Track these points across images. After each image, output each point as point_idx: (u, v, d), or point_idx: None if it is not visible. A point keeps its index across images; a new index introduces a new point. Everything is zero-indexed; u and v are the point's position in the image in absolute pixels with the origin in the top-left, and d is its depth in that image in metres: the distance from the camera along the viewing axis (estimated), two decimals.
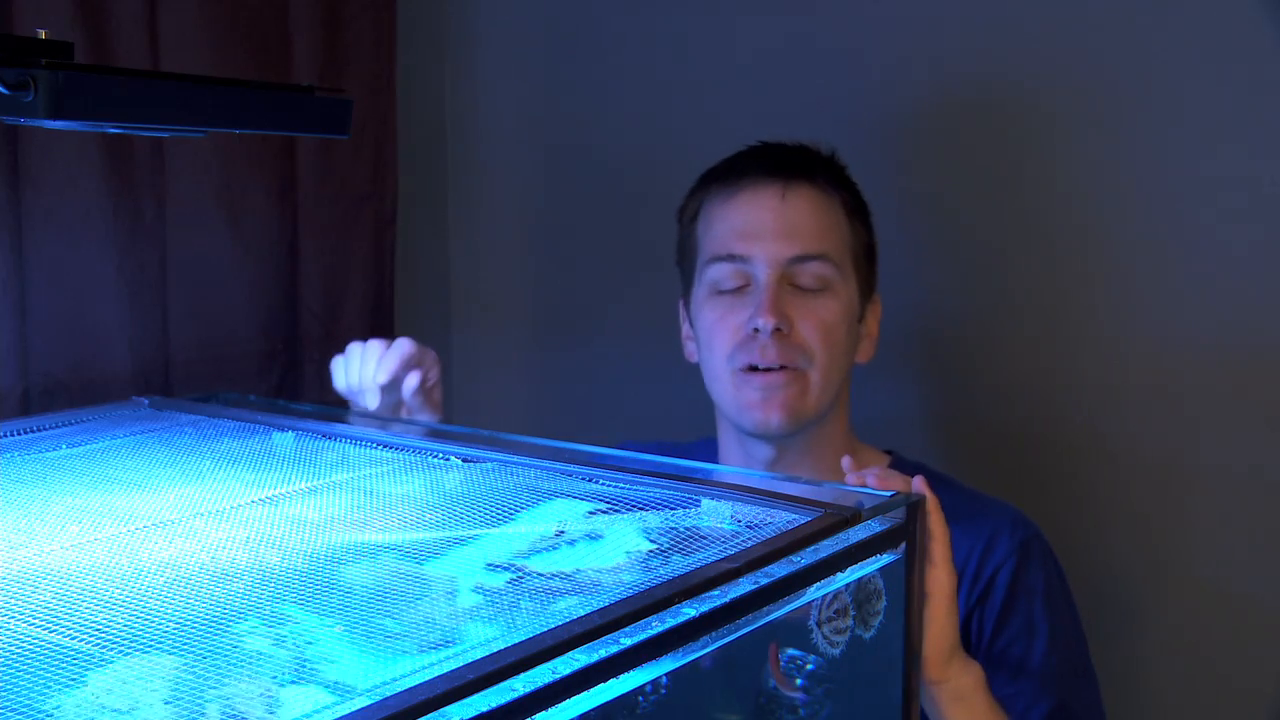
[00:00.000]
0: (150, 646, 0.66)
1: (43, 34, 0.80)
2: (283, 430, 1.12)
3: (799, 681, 0.83)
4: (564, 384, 1.96)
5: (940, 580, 0.96)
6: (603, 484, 0.96)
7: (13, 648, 0.66)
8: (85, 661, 0.64)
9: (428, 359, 1.22)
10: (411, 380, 1.19)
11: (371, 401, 1.20)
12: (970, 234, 1.59)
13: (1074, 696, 1.17)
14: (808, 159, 1.27)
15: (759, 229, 1.22)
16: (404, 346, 1.20)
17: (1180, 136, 1.43)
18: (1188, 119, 1.42)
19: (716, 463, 1.30)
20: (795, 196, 1.23)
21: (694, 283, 1.28)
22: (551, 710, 0.62)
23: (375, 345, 1.21)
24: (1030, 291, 1.54)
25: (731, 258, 1.23)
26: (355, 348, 1.22)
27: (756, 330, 1.19)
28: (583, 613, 0.68)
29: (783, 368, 1.19)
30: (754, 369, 1.20)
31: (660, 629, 0.69)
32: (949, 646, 0.98)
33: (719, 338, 1.23)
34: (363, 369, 1.20)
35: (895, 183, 1.60)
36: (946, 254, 1.60)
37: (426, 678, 0.60)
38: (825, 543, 0.83)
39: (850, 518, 0.86)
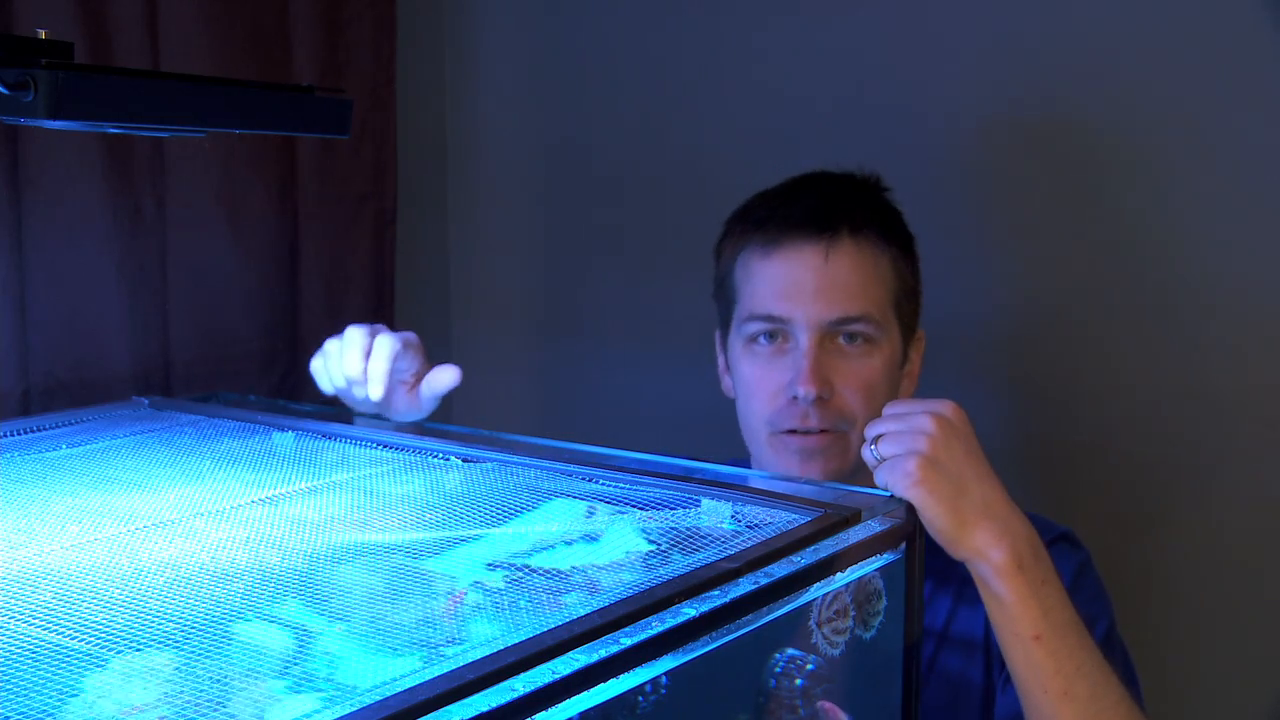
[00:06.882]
0: (150, 646, 0.66)
1: (43, 34, 0.81)
2: (283, 430, 1.12)
3: (799, 682, 0.83)
4: (564, 383, 1.96)
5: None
6: (603, 484, 0.96)
7: (13, 648, 0.66)
8: (85, 661, 0.64)
9: (410, 348, 1.14)
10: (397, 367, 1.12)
11: (375, 391, 1.11)
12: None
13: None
14: (855, 206, 1.20)
15: (799, 290, 1.16)
16: (387, 345, 1.11)
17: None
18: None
19: None
20: (838, 255, 1.16)
21: (731, 325, 1.24)
22: (551, 710, 0.62)
23: (355, 335, 1.12)
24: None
25: (770, 318, 1.18)
26: (334, 344, 1.14)
27: (796, 397, 1.15)
28: (583, 613, 0.68)
29: (823, 431, 1.16)
30: (793, 432, 1.16)
31: (660, 629, 0.69)
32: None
33: (757, 397, 1.19)
34: (348, 363, 1.12)
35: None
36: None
37: (426, 678, 0.60)
38: (825, 543, 0.83)
39: (850, 518, 0.86)
